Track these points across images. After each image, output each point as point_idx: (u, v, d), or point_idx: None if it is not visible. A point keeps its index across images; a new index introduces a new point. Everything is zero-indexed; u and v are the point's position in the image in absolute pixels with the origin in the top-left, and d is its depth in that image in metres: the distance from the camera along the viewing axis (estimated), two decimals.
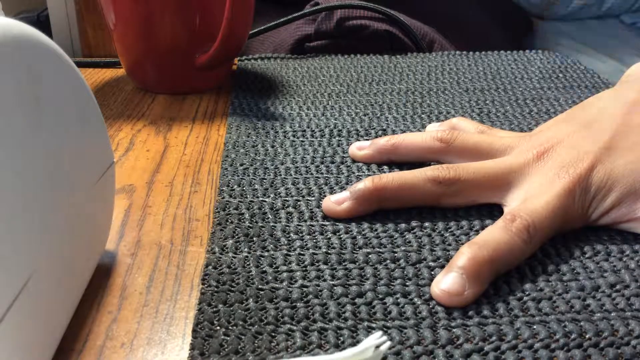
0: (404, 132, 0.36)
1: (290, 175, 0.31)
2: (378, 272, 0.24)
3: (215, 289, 0.22)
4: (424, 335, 0.21)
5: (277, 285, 0.23)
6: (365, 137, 0.35)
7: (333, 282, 0.23)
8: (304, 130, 0.36)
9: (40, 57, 0.19)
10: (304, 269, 0.24)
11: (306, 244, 0.25)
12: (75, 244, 0.21)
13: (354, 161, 0.32)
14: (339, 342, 0.20)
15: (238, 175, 0.31)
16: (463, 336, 0.21)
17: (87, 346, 0.20)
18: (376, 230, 0.26)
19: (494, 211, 0.28)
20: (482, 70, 0.48)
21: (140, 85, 0.45)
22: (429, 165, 0.30)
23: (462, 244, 0.25)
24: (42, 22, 0.74)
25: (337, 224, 0.27)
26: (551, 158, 0.27)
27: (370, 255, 0.24)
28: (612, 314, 0.22)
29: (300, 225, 0.27)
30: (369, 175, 0.31)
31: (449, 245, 0.25)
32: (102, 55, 0.56)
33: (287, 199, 0.29)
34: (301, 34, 0.55)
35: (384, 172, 0.31)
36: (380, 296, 0.22)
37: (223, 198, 0.29)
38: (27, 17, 0.76)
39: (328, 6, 0.53)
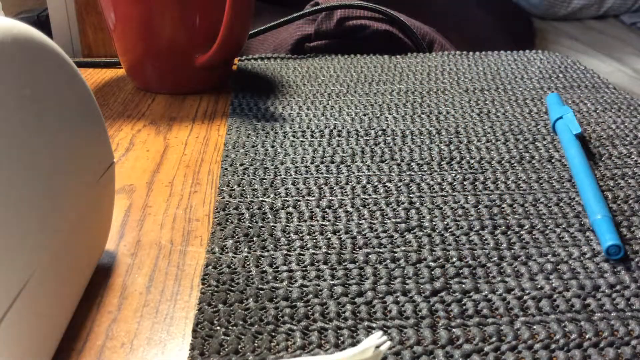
0: (404, 132, 0.36)
1: (290, 175, 0.31)
2: (378, 272, 0.24)
3: (215, 289, 0.22)
4: (424, 335, 0.21)
5: (277, 285, 0.23)
6: (365, 137, 0.35)
7: (333, 282, 0.23)
8: (304, 130, 0.36)
9: (40, 57, 0.19)
10: (304, 268, 0.24)
11: (306, 244, 0.25)
12: (75, 244, 0.21)
13: (353, 161, 0.32)
14: (339, 342, 0.20)
15: (238, 175, 0.31)
16: (463, 336, 0.21)
17: (87, 346, 0.20)
18: (376, 230, 0.26)
19: (495, 212, 0.28)
20: (482, 70, 0.48)
21: (140, 85, 0.45)
22: None
23: (463, 244, 0.25)
24: (42, 22, 0.74)
25: (337, 223, 0.27)
26: None
27: (370, 255, 0.24)
28: (612, 314, 0.22)
29: (300, 225, 0.27)
30: (370, 175, 0.31)
31: (449, 245, 0.25)
32: (102, 55, 0.56)
33: (287, 199, 0.29)
34: (301, 34, 0.55)
35: (386, 174, 0.31)
36: (380, 295, 0.22)
37: (223, 198, 0.29)
38: (27, 17, 0.76)
39: (328, 6, 0.53)
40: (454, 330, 0.21)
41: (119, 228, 0.27)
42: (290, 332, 0.21)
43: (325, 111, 0.39)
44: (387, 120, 0.38)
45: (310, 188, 0.30)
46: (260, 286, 0.23)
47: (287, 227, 0.26)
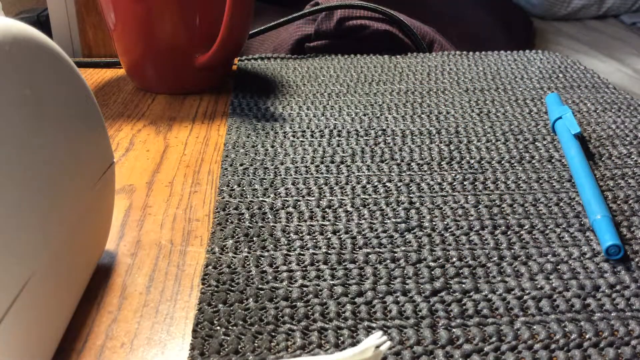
0: (404, 132, 0.36)
1: (290, 175, 0.31)
2: (378, 272, 0.24)
3: (215, 289, 0.22)
4: (424, 335, 0.21)
5: (277, 285, 0.23)
6: (365, 137, 0.35)
7: (333, 282, 0.23)
8: (304, 130, 0.36)
9: (40, 57, 0.19)
10: (304, 268, 0.24)
11: (306, 244, 0.25)
12: (75, 244, 0.21)
13: (353, 161, 0.32)
14: (339, 342, 0.20)
15: (238, 175, 0.31)
16: (463, 336, 0.21)
17: (87, 346, 0.20)
18: (376, 230, 0.26)
19: (495, 212, 0.28)
20: (482, 70, 0.48)
21: (140, 85, 0.45)
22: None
23: (463, 244, 0.25)
24: (42, 22, 0.74)
25: (337, 223, 0.27)
26: None
27: (370, 255, 0.24)
28: (612, 314, 0.22)
29: (300, 225, 0.27)
30: (370, 175, 0.31)
31: (449, 245, 0.25)
32: (102, 55, 0.56)
33: (287, 199, 0.29)
34: (301, 34, 0.55)
35: (386, 174, 0.31)
36: (380, 295, 0.22)
37: (223, 198, 0.29)
38: (27, 17, 0.76)
39: (328, 6, 0.53)
40: (454, 330, 0.21)
41: (119, 228, 0.27)
42: (290, 332, 0.21)
43: (325, 111, 0.39)
44: (387, 120, 0.38)
45: (310, 188, 0.30)
46: (260, 286, 0.23)
47: (287, 227, 0.26)
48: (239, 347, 0.20)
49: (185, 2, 0.40)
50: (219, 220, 0.27)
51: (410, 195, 0.29)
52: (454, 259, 0.24)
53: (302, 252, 0.25)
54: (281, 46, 0.57)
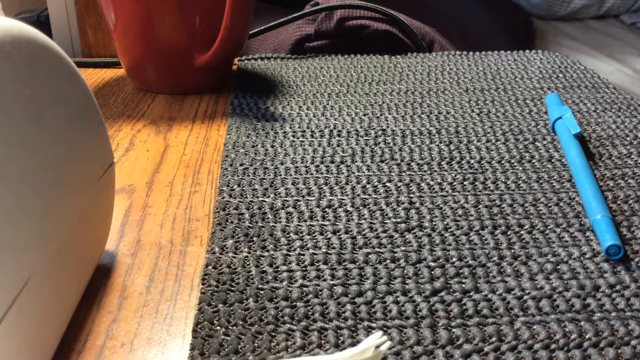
0: (404, 132, 0.36)
1: (290, 175, 0.31)
2: (378, 272, 0.24)
3: (215, 289, 0.22)
4: (424, 335, 0.21)
5: (277, 285, 0.23)
6: (365, 137, 0.35)
7: (333, 282, 0.23)
8: (304, 130, 0.36)
9: (40, 57, 0.19)
10: (303, 268, 0.24)
11: (306, 244, 0.25)
12: (75, 244, 0.21)
13: (353, 161, 0.32)
14: (339, 342, 0.20)
15: (238, 175, 0.31)
16: (463, 336, 0.21)
17: (87, 346, 0.20)
18: (376, 230, 0.26)
19: (495, 212, 0.28)
20: (482, 70, 0.48)
21: (140, 85, 0.45)
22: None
23: (463, 244, 0.25)
24: (42, 22, 0.74)
25: (337, 223, 0.27)
26: None
27: (370, 255, 0.24)
28: (612, 314, 0.22)
29: (300, 225, 0.27)
30: (370, 175, 0.31)
31: (449, 245, 0.25)
32: (102, 55, 0.56)
33: (287, 199, 0.29)
34: (301, 34, 0.55)
35: (386, 174, 0.31)
36: (380, 295, 0.22)
37: (223, 198, 0.29)
38: (27, 17, 0.76)
39: (328, 6, 0.53)
40: (454, 330, 0.21)
41: (119, 228, 0.27)
42: (290, 332, 0.21)
43: (325, 111, 0.39)
44: (387, 120, 0.38)
45: (310, 188, 0.30)
46: (260, 286, 0.23)
47: (287, 227, 0.26)
48: (239, 347, 0.20)
49: (185, 2, 0.40)
50: (219, 220, 0.27)
51: (410, 195, 0.29)
52: (454, 259, 0.24)
53: (302, 252, 0.25)
54: (281, 46, 0.57)
